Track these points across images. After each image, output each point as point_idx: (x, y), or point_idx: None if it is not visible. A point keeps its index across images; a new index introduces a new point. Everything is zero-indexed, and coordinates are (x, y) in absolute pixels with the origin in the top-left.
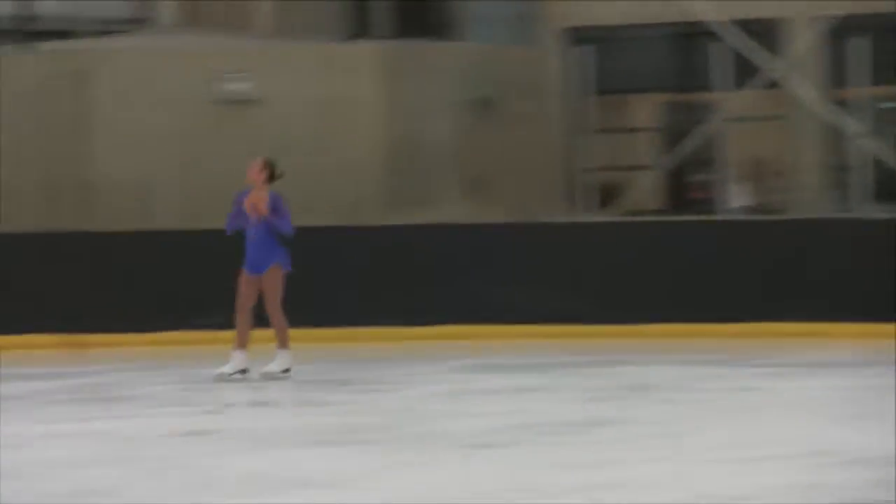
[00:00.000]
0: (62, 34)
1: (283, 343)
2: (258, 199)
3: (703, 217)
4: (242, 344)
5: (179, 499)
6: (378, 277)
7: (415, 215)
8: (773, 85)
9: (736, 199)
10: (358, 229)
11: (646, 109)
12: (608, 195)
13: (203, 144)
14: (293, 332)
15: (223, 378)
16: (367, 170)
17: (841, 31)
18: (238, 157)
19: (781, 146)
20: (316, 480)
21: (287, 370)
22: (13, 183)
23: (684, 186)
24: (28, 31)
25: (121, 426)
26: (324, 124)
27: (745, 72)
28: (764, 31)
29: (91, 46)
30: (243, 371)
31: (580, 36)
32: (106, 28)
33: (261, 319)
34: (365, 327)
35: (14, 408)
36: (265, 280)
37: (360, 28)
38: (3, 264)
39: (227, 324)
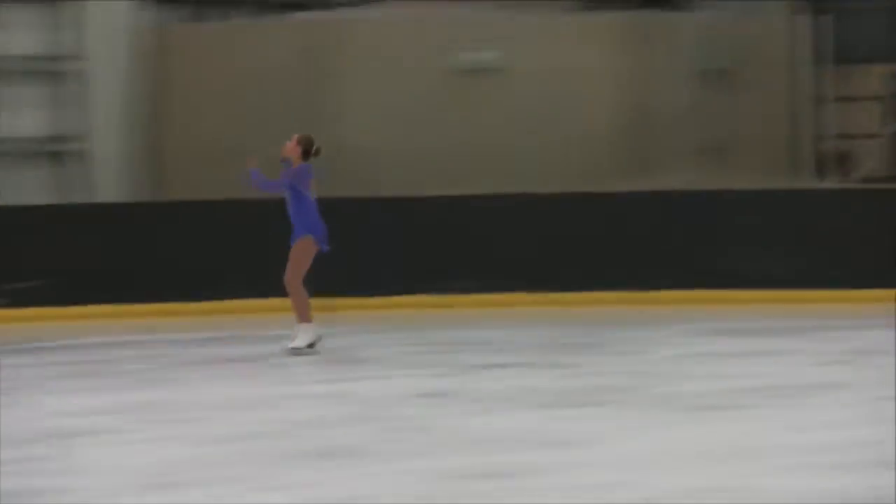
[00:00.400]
0: (311, 5)
1: (302, 317)
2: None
3: None
4: (309, 316)
5: (421, 458)
6: (613, 243)
7: (651, 182)
8: None
9: None
10: (597, 196)
11: (875, 78)
12: (839, 163)
13: (446, 113)
14: (537, 297)
15: (297, 353)
16: (605, 138)
17: None
18: (480, 126)
19: None
20: (552, 441)
21: (312, 344)
22: (264, 151)
23: None
24: (279, 3)
25: (364, 387)
26: (562, 93)
27: None
28: None
29: (338, 17)
30: (311, 344)
31: (813, 7)
32: (353, 0)
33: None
34: (602, 292)
35: (260, 370)
36: (291, 251)
37: None
38: (258, 230)
39: (475, 288)
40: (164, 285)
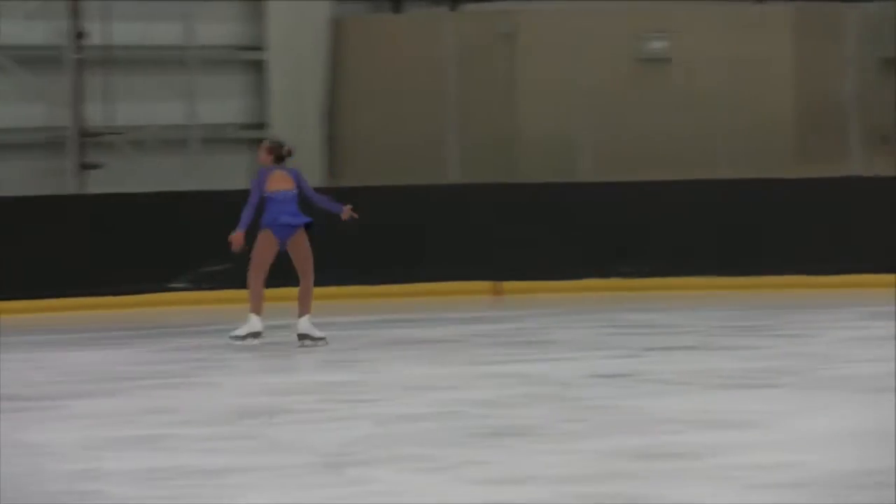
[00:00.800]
0: None
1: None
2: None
3: None
4: (257, 308)
5: (600, 438)
6: (784, 228)
7: (822, 169)
8: None
9: None
10: (771, 182)
11: None
12: None
13: (622, 101)
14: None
15: (238, 340)
16: (778, 125)
17: None
18: (654, 115)
19: None
20: (727, 422)
21: (255, 334)
22: (443, 138)
23: None
24: None
25: (545, 368)
26: (736, 82)
27: None
28: None
29: (517, 7)
30: (255, 334)
31: None
32: None
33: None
34: (776, 275)
35: (445, 350)
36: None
37: None
38: (434, 214)
39: (648, 272)
40: (347, 269)
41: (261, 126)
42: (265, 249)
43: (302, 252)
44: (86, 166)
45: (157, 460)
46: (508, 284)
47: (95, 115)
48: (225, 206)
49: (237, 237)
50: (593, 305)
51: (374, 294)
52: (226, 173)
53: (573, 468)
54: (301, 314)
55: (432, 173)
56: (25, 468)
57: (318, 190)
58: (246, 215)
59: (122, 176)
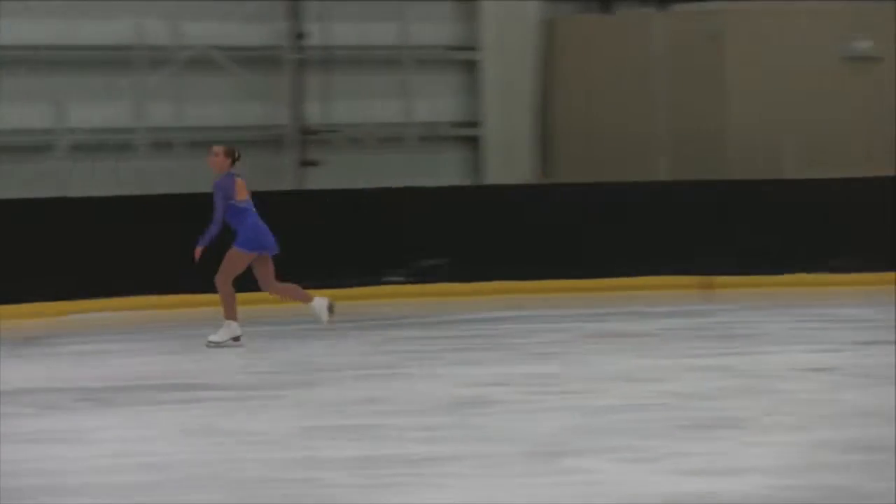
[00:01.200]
0: None
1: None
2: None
3: None
4: (233, 315)
5: (802, 431)
6: None
7: None
8: None
9: None
10: None
11: None
12: None
13: (829, 101)
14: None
15: (216, 346)
16: None
17: None
18: (858, 112)
19: None
20: None
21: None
22: (649, 135)
23: None
24: None
25: (747, 361)
26: None
27: None
28: None
29: (724, 7)
30: (236, 338)
31: None
32: None
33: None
34: None
35: (649, 344)
36: (226, 256)
37: None
38: (642, 210)
39: (854, 267)
40: (552, 263)
41: (474, 124)
42: (242, 265)
43: (268, 269)
44: (304, 163)
45: (371, 449)
46: (714, 279)
47: (313, 113)
48: (439, 201)
49: (198, 253)
50: (799, 300)
51: (582, 288)
52: (440, 169)
53: (778, 460)
54: (306, 301)
55: (641, 170)
56: (244, 455)
57: (531, 187)
58: (213, 231)
59: (339, 172)
